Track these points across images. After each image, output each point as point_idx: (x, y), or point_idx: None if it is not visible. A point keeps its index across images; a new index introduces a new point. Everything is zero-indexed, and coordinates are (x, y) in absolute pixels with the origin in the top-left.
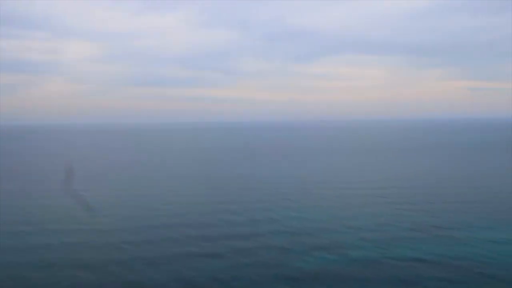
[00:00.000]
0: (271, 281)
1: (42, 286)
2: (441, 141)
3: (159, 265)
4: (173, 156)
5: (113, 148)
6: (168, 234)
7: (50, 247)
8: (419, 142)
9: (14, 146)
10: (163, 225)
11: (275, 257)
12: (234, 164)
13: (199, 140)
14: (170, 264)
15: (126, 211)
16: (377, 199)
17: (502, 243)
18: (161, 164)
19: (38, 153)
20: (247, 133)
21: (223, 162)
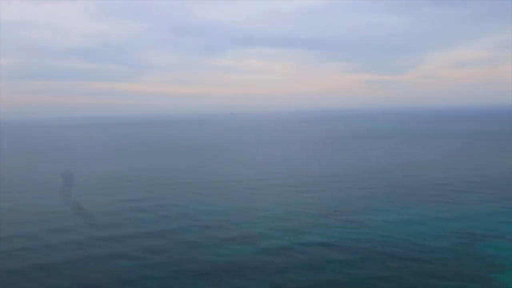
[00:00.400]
0: (183, 278)
1: None
2: (345, 131)
3: (60, 270)
4: (71, 155)
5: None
6: (70, 237)
7: None
8: (326, 133)
9: None
10: (65, 228)
11: (186, 253)
12: (139, 160)
13: (100, 136)
14: (72, 269)
15: (20, 216)
16: (287, 188)
17: (398, 223)
18: (59, 163)
19: None
20: (154, 127)
21: (128, 158)
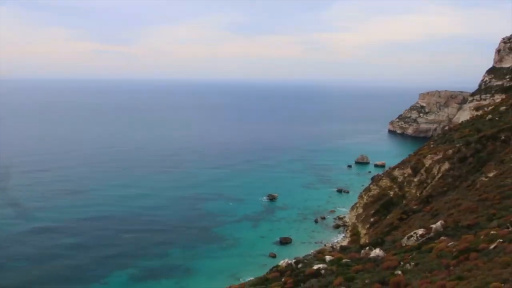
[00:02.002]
0: None
1: None
2: (67, 102)
3: None
4: None
5: None
6: None
7: None
8: (47, 106)
9: None
10: None
11: None
12: None
13: None
14: None
15: None
16: (11, 169)
17: (132, 197)
18: None
19: None
20: None
21: None
